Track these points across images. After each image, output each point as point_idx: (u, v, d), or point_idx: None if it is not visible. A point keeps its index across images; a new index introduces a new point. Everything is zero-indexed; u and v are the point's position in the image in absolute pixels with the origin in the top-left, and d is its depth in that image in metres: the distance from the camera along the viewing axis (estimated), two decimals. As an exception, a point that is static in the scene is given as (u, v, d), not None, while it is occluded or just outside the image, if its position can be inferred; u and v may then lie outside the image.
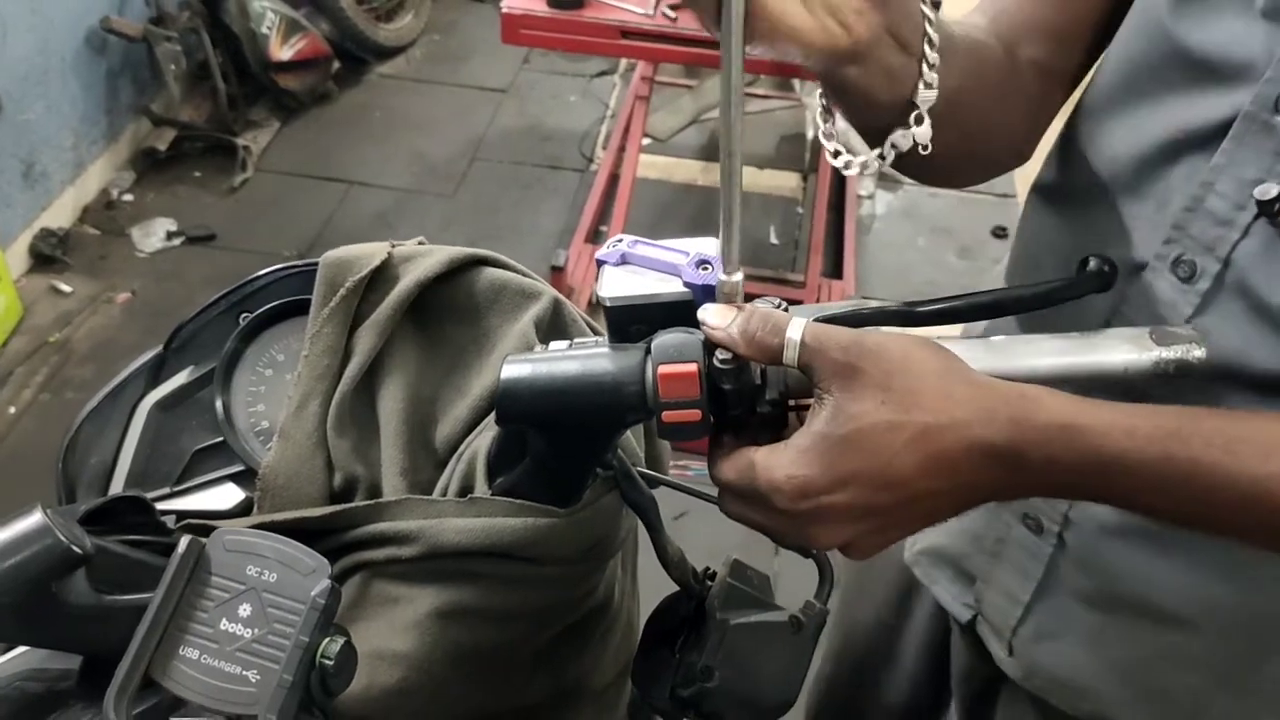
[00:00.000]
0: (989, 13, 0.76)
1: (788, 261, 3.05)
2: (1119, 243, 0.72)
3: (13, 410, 2.52)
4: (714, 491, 0.63)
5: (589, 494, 0.67)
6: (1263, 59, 0.63)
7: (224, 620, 0.53)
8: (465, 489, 0.68)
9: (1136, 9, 0.72)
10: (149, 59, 3.19)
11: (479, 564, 0.66)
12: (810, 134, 3.41)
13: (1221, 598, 0.75)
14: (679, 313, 0.60)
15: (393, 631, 0.66)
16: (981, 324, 0.87)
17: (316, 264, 0.75)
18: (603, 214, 2.97)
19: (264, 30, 3.31)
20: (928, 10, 0.65)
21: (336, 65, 3.60)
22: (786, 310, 0.59)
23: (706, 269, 0.61)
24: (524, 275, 0.77)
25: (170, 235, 3.02)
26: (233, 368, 0.77)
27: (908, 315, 0.62)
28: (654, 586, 0.76)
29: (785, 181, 3.34)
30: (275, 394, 0.76)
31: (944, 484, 0.56)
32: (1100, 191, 0.74)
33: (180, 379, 0.77)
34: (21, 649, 0.65)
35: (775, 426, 0.60)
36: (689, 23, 2.24)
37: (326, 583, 0.53)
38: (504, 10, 2.34)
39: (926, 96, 0.66)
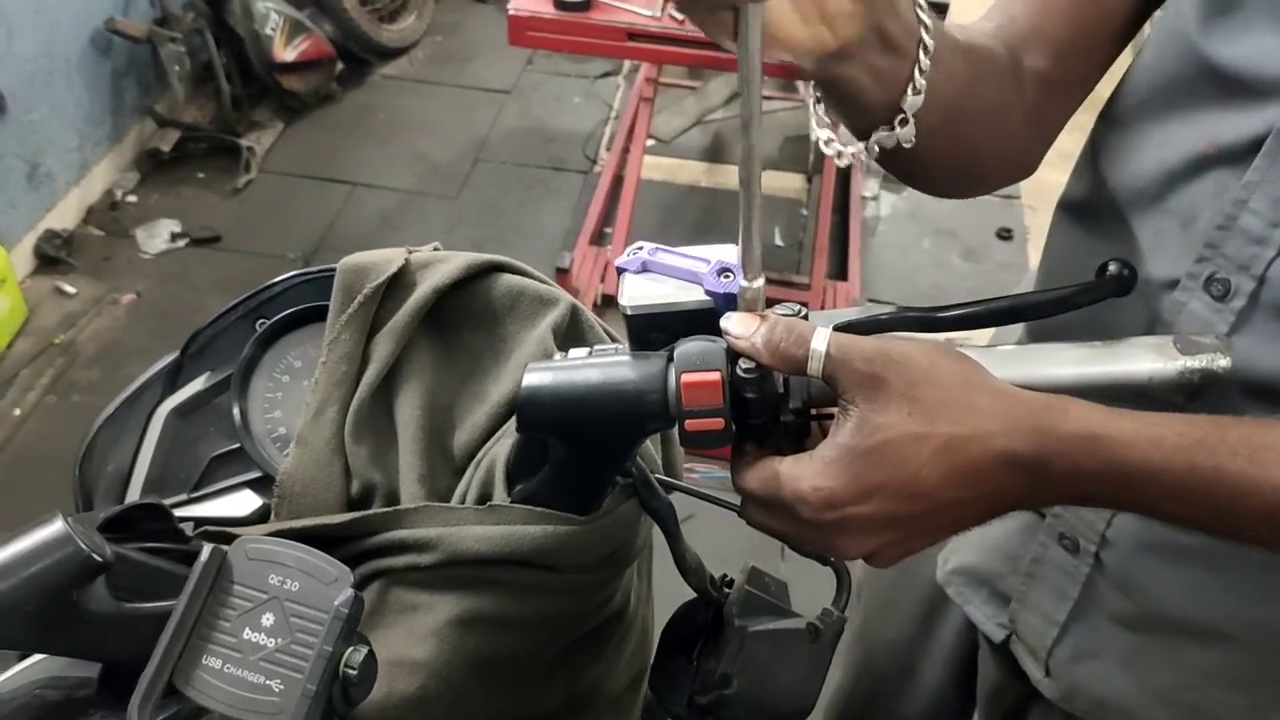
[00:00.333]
0: (996, 20, 0.76)
1: (792, 263, 3.04)
2: (1148, 259, 0.72)
3: (18, 412, 2.51)
4: (731, 497, 0.62)
5: (608, 502, 0.67)
6: None
7: (247, 629, 0.53)
8: (484, 496, 0.68)
9: (1163, 24, 0.72)
10: (153, 60, 3.20)
11: (498, 572, 0.66)
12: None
13: (1266, 616, 0.75)
14: (700, 321, 0.60)
15: (412, 639, 0.66)
16: (1016, 332, 0.86)
17: (333, 270, 0.75)
18: (607, 216, 2.97)
19: (268, 31, 3.31)
20: (924, 16, 0.65)
21: (340, 66, 3.60)
22: (806, 317, 0.59)
23: (728, 277, 0.61)
24: (541, 281, 0.77)
25: (174, 236, 3.02)
26: (250, 374, 0.77)
27: (928, 321, 0.62)
28: (668, 593, 0.76)
29: (790, 183, 3.34)
30: (292, 400, 0.76)
31: (969, 493, 0.56)
32: (1126, 207, 0.74)
33: (197, 385, 0.77)
34: (39, 656, 0.65)
35: (798, 435, 0.60)
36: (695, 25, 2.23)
37: (349, 592, 0.53)
38: (511, 12, 2.34)
39: (913, 101, 0.65)
